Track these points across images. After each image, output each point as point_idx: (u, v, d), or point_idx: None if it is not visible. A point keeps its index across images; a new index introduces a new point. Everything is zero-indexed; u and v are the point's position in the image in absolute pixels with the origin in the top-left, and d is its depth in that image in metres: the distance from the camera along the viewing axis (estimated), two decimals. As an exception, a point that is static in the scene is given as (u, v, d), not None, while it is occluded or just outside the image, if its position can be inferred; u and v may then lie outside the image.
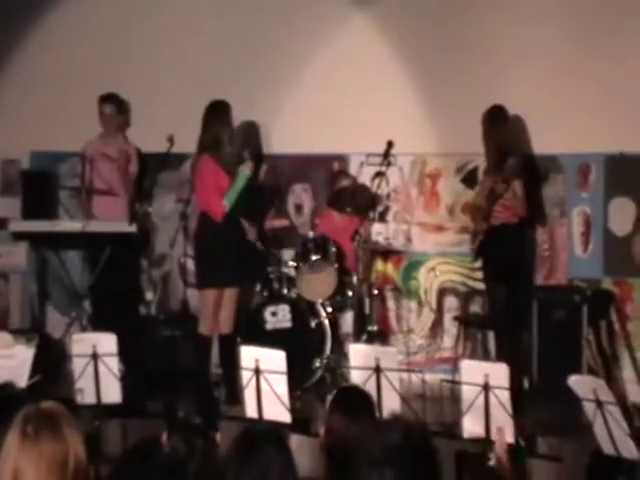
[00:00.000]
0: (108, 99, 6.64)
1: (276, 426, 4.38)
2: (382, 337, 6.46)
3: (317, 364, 6.10)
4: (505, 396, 4.23)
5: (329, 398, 3.54)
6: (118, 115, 6.74)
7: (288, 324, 6.20)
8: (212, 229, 5.94)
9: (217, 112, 5.96)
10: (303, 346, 6.08)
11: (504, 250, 6.02)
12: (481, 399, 4.26)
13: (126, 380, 4.87)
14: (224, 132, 5.93)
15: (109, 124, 6.67)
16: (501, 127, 6.13)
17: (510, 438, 4.17)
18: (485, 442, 4.18)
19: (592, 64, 6.30)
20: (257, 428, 3.01)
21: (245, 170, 5.93)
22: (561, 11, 6.32)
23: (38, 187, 6.82)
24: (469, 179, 6.49)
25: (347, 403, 3.35)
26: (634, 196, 6.25)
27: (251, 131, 6.81)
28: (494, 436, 3.96)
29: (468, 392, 4.32)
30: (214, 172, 5.92)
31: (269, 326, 6.20)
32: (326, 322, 6.16)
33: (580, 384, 4.03)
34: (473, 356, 6.27)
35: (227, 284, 5.99)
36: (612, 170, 6.30)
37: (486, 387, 4.25)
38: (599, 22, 6.27)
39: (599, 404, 3.95)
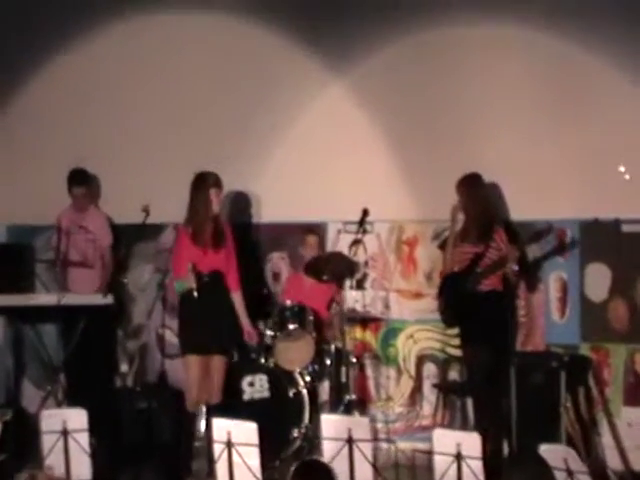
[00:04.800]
0: (76, 181, 6.65)
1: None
2: (361, 405, 6.41)
3: (295, 434, 6.04)
4: (477, 466, 4.21)
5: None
6: (88, 194, 6.77)
7: (266, 394, 6.16)
8: (195, 295, 5.92)
9: (195, 184, 5.99)
10: (281, 416, 6.05)
11: (489, 317, 6.02)
12: (454, 469, 4.23)
13: (98, 455, 4.82)
14: (199, 204, 5.94)
15: (79, 203, 6.72)
16: (483, 194, 6.19)
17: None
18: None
19: (565, 132, 6.39)
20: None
21: (184, 284, 5.86)
22: (534, 81, 6.43)
23: (14, 260, 6.83)
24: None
25: (307, 477, 3.31)
26: (609, 262, 6.28)
27: (241, 201, 6.83)
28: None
29: (441, 461, 4.29)
30: (183, 244, 5.95)
31: (246, 396, 6.17)
32: (304, 391, 6.13)
33: (551, 453, 4.02)
34: (452, 423, 6.22)
35: (211, 351, 5.93)
36: (587, 236, 6.34)
37: (458, 457, 4.22)
38: (571, 91, 6.38)
39: (569, 473, 3.92)
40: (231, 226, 6.16)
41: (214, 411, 5.84)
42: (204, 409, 5.94)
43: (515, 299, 6.40)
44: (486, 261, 6.14)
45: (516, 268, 6.05)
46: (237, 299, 6.04)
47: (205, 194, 5.92)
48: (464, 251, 6.22)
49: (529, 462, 5.25)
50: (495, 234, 6.16)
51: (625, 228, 6.27)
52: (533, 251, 6.38)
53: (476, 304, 6.07)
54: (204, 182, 5.94)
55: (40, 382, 6.81)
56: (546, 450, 4.04)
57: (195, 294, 5.82)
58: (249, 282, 6.42)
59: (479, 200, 6.16)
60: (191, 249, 5.91)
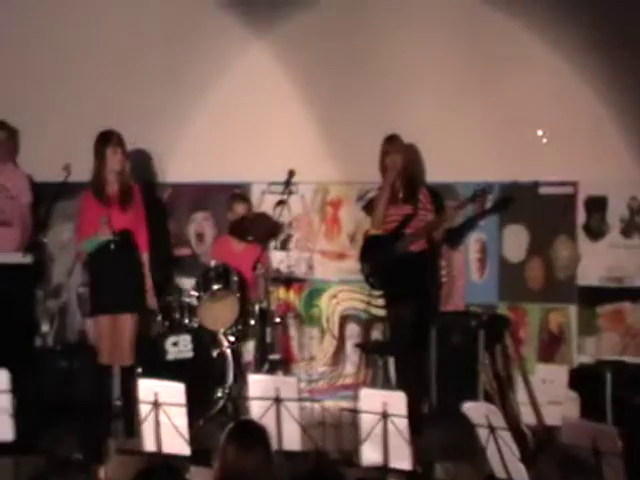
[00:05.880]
0: None
1: (174, 460, 4.36)
2: (284, 365, 6.47)
3: (219, 394, 6.07)
4: (403, 424, 4.30)
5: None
6: (9, 142, 6.65)
7: (189, 354, 6.16)
8: (104, 255, 5.92)
9: (100, 143, 5.98)
10: (205, 376, 6.05)
11: (418, 277, 6.10)
12: (380, 427, 4.32)
13: (19, 416, 4.75)
14: (103, 164, 5.96)
15: (0, 151, 6.55)
16: (405, 155, 6.25)
17: (408, 465, 4.24)
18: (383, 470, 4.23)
19: (486, 94, 6.49)
20: (155, 464, 2.99)
21: (97, 239, 5.90)
22: (455, 45, 6.49)
23: None
24: (370, 207, 6.57)
25: (242, 436, 3.34)
26: (527, 223, 6.44)
27: (141, 159, 6.77)
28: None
29: (367, 420, 4.38)
30: (90, 208, 5.95)
31: (170, 356, 6.15)
32: (228, 351, 6.14)
33: (473, 410, 4.13)
34: (374, 382, 6.33)
35: (118, 310, 5.93)
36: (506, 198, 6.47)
37: (384, 415, 4.30)
38: (492, 53, 6.47)
39: (491, 430, 4.05)
40: (151, 186, 6.11)
41: (133, 371, 5.86)
42: (117, 369, 5.96)
43: (439, 259, 6.52)
44: (418, 222, 6.22)
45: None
46: (145, 261, 6.07)
47: (103, 152, 5.94)
48: (389, 213, 6.28)
49: (449, 419, 5.40)
50: (420, 195, 6.24)
51: (542, 190, 6.44)
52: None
53: (405, 265, 6.14)
54: (102, 140, 5.96)
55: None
56: (469, 408, 4.16)
57: (112, 246, 5.85)
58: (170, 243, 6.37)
59: (402, 161, 6.22)
60: (97, 209, 5.91)
